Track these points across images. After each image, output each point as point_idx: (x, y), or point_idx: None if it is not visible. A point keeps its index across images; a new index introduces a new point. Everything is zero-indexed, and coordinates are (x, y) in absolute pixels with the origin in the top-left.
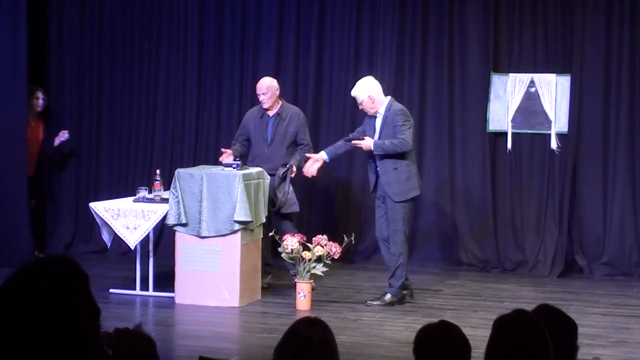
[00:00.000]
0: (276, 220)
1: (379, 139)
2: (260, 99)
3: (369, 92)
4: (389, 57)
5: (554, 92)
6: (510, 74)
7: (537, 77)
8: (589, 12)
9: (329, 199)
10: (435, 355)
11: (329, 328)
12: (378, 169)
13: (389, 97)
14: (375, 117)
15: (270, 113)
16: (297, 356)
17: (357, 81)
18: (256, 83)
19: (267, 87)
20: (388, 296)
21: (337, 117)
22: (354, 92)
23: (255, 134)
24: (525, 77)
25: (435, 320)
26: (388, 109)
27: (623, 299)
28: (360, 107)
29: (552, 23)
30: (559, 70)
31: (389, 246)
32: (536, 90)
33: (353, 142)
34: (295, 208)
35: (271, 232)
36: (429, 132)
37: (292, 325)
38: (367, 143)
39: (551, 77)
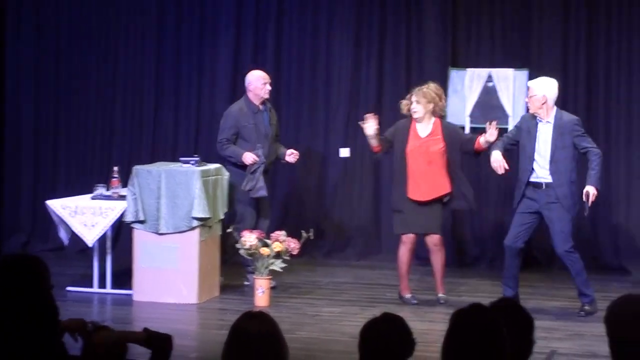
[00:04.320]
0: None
1: (551, 147)
2: (269, 89)
3: (545, 91)
4: (346, 52)
5: (512, 86)
6: (468, 69)
7: (494, 72)
8: (545, 7)
9: (287, 195)
10: (378, 349)
11: (272, 321)
12: None
13: (556, 108)
14: (539, 122)
15: (261, 107)
16: (237, 350)
17: (311, 78)
18: (215, 80)
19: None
20: None
21: (295, 112)
22: (533, 83)
23: (257, 131)
24: (483, 72)
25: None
26: (559, 118)
27: None
28: (526, 99)
29: (509, 18)
30: (516, 65)
31: None
32: (494, 85)
33: (589, 204)
34: (263, 192)
35: (229, 228)
36: (387, 127)
37: (235, 320)
38: (594, 191)
39: (509, 72)
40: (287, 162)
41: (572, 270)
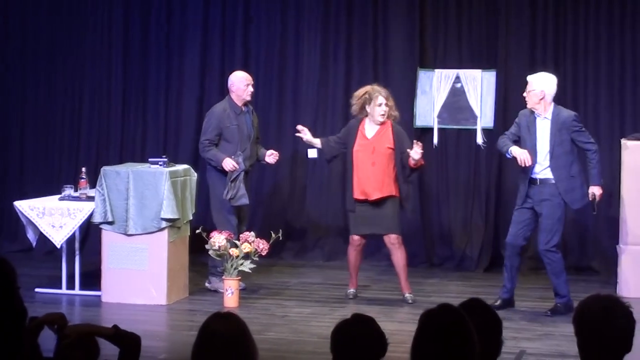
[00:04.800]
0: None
1: (550, 143)
2: (251, 91)
3: (544, 87)
4: (314, 54)
5: (480, 87)
6: (436, 70)
7: (462, 72)
8: (513, 8)
9: (256, 196)
10: (352, 351)
11: (241, 322)
12: None
13: (554, 104)
14: (536, 117)
15: (244, 108)
16: (206, 351)
17: (279, 80)
18: (183, 80)
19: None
20: None
21: (263, 113)
22: (532, 77)
23: (240, 132)
24: (451, 73)
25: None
26: (557, 114)
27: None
28: (525, 94)
29: (477, 19)
30: (484, 66)
31: None
32: (462, 86)
33: (596, 205)
34: (244, 200)
35: (198, 229)
36: None
37: (204, 321)
38: (600, 191)
39: (477, 73)
40: (267, 163)
41: (548, 269)
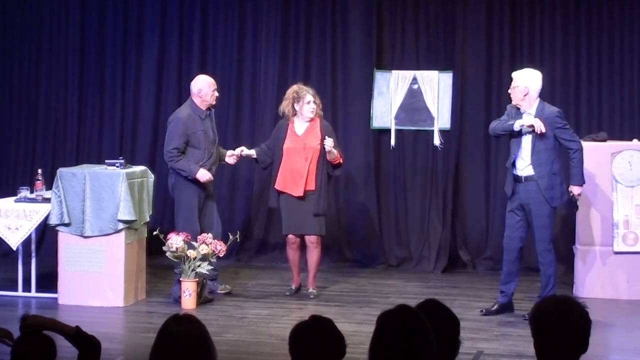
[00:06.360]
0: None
1: (532, 139)
2: (217, 95)
3: (528, 83)
4: (273, 53)
5: (437, 88)
6: (393, 71)
7: (419, 73)
8: (470, 9)
9: (216, 197)
10: (311, 352)
11: (200, 323)
12: None
13: (539, 99)
14: (522, 113)
15: (207, 112)
16: (165, 353)
17: (237, 80)
18: (139, 81)
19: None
20: None
21: (220, 115)
22: (516, 74)
23: (207, 137)
24: (408, 74)
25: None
26: (541, 110)
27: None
28: (509, 90)
29: (433, 20)
30: (441, 67)
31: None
32: (419, 87)
33: (577, 203)
34: None
35: (155, 231)
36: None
37: (162, 323)
38: (578, 191)
39: (433, 74)
40: (227, 164)
41: (541, 270)
